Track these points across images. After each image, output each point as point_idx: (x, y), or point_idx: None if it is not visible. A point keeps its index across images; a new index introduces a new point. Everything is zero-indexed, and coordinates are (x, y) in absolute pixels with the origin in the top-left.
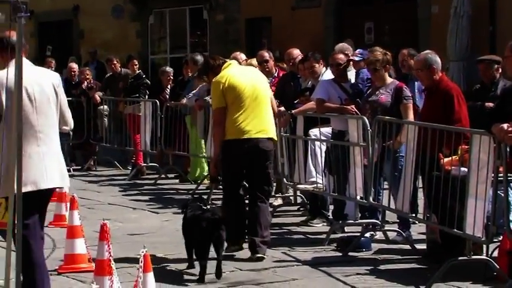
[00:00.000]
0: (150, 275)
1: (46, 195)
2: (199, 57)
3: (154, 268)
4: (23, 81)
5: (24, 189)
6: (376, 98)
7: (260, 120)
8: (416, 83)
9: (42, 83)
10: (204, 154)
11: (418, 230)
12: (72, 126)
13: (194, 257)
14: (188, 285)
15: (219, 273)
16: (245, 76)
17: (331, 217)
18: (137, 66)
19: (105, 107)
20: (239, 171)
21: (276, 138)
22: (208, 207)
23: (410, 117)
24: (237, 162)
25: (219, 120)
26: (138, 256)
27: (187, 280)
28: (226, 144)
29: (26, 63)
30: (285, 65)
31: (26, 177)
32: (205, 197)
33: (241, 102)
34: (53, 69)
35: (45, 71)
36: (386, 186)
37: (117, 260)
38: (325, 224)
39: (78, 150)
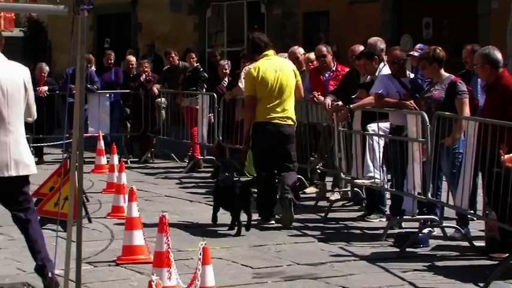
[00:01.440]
0: (209, 268)
1: (12, 183)
2: None
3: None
4: None
5: None
6: (430, 94)
7: (283, 109)
8: (479, 79)
9: (14, 77)
10: None
11: (477, 227)
12: (35, 118)
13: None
14: (244, 276)
15: (248, 227)
16: (274, 69)
17: (388, 212)
18: (195, 59)
19: (163, 99)
20: (266, 148)
21: (295, 123)
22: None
23: (466, 112)
24: (264, 140)
25: (250, 105)
26: (197, 248)
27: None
28: (255, 126)
29: (0, 57)
30: None
31: None
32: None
33: (268, 94)
34: (112, 62)
35: (17, 66)
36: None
37: (174, 252)
38: (382, 219)
39: (136, 142)
